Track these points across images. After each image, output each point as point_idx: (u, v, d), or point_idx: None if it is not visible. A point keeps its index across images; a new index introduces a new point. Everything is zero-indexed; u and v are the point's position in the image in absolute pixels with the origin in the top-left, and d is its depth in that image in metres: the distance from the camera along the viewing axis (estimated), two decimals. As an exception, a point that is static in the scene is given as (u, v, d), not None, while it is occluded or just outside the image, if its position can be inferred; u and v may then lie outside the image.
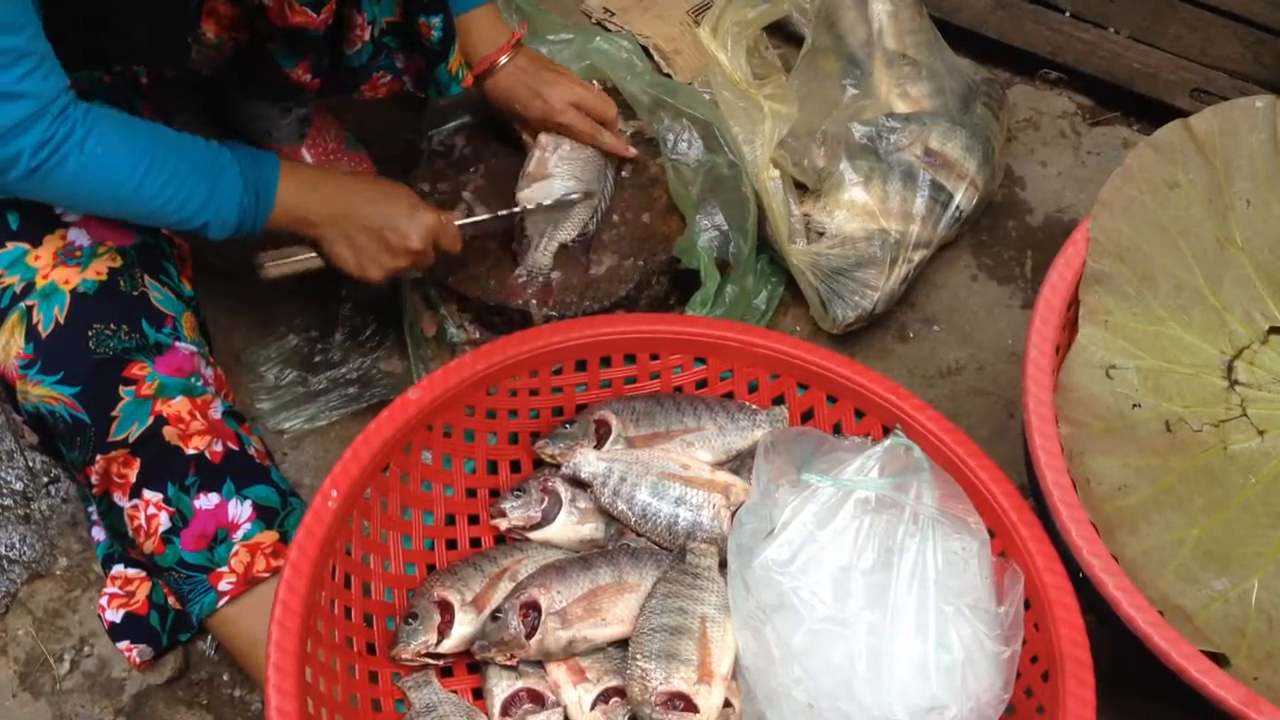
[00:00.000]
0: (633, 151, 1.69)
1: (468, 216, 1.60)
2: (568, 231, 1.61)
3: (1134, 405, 1.29)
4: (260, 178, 1.32)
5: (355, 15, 1.41)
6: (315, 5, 1.36)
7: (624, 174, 1.71)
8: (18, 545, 1.58)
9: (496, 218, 1.60)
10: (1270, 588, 1.21)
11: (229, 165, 1.29)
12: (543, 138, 1.63)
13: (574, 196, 1.60)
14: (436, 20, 1.46)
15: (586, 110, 1.62)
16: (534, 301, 1.57)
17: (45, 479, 1.63)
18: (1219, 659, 1.16)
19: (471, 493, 1.44)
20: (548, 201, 1.60)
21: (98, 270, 1.28)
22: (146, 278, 1.32)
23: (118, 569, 1.46)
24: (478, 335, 1.66)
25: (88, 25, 1.25)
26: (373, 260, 1.42)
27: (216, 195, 1.27)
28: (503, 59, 1.59)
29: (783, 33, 2.00)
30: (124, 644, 1.44)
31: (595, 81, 1.70)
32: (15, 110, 1.12)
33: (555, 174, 1.62)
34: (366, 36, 1.44)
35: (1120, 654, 1.20)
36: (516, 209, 1.61)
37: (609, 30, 1.99)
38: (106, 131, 1.19)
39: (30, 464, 1.63)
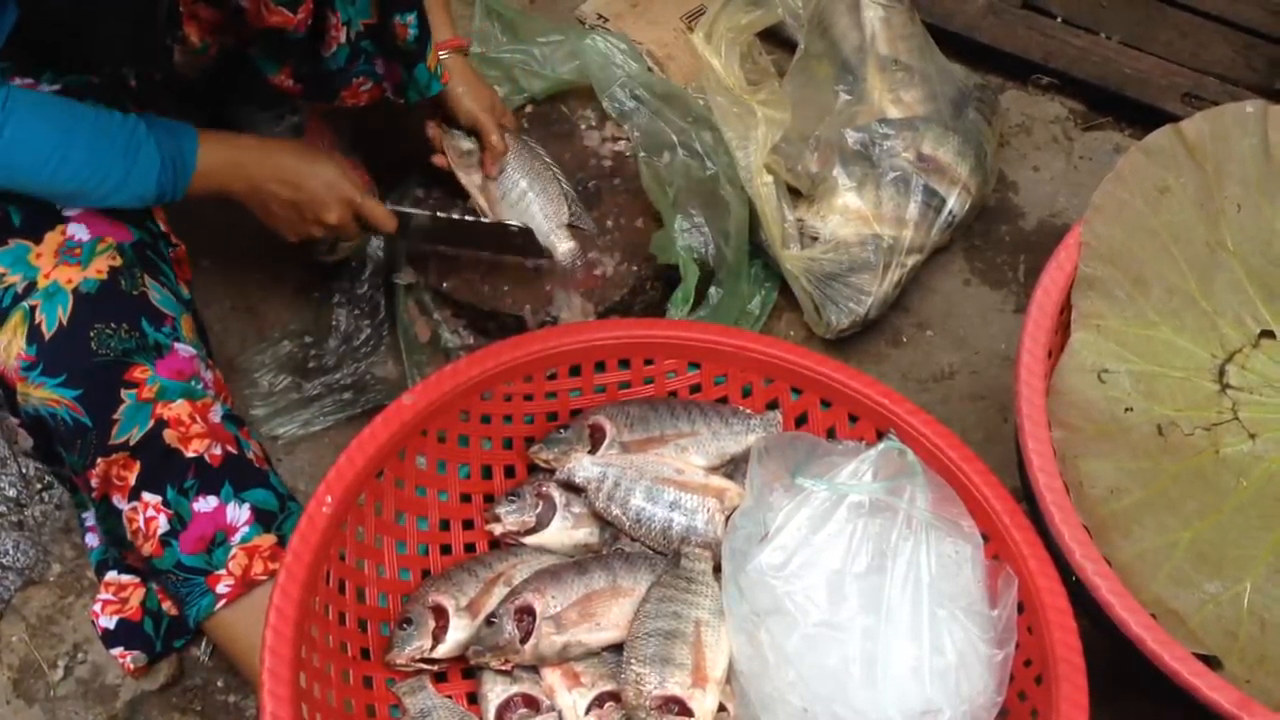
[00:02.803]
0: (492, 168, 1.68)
1: (405, 206, 1.62)
2: (560, 209, 1.66)
3: (1126, 409, 1.29)
4: (178, 152, 1.33)
5: (330, 15, 1.42)
6: (291, 5, 1.36)
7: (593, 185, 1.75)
8: (11, 551, 1.57)
9: (434, 217, 1.61)
10: (1262, 590, 1.21)
11: (145, 140, 1.29)
12: (451, 155, 1.66)
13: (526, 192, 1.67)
14: (411, 18, 1.46)
15: (496, 112, 1.68)
16: (580, 291, 1.63)
17: (39, 485, 1.62)
18: (1212, 662, 1.16)
19: (466, 498, 1.44)
20: (491, 217, 1.65)
21: (99, 269, 1.28)
22: (146, 277, 1.32)
23: (111, 575, 1.46)
24: (472, 340, 1.66)
25: (67, 32, 1.26)
26: (287, 226, 1.47)
27: (134, 173, 1.28)
28: (442, 54, 1.61)
29: (776, 38, 2.01)
30: (118, 650, 1.44)
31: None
32: None
33: (507, 200, 1.67)
34: (342, 38, 1.44)
35: (1114, 657, 1.20)
36: (457, 215, 1.63)
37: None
38: (23, 117, 1.20)
39: (24, 470, 1.63)
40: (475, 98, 1.65)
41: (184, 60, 1.45)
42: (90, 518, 1.51)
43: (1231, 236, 1.37)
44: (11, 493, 1.62)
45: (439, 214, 1.61)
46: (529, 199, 1.66)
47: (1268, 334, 1.34)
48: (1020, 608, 1.22)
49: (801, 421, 1.45)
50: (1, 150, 1.19)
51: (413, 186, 1.73)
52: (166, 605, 1.44)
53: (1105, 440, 1.27)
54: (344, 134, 1.81)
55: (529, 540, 1.39)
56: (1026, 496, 1.29)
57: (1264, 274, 1.36)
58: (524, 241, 1.61)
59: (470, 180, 1.66)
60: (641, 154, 1.71)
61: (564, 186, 1.69)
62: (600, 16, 2.05)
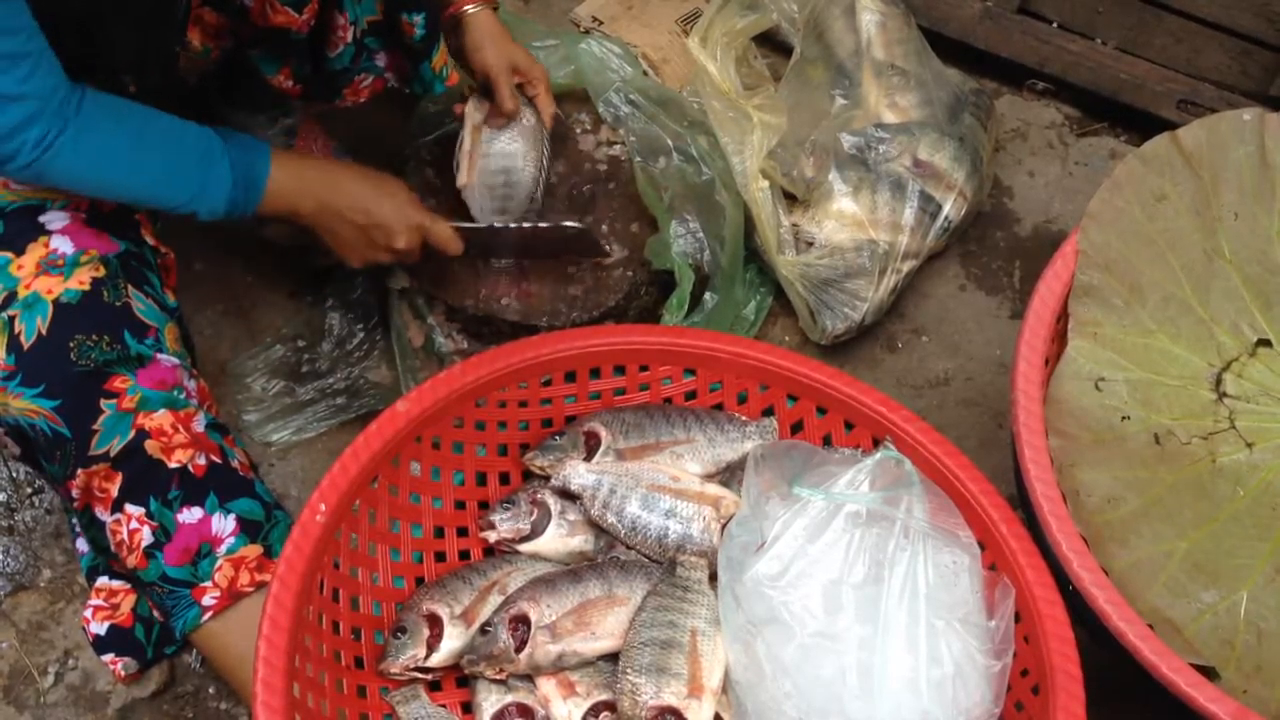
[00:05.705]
0: (549, 112, 1.62)
1: (463, 222, 1.57)
2: (515, 207, 1.60)
3: (1123, 417, 1.29)
4: (251, 171, 1.32)
5: (337, 16, 1.41)
6: (297, 5, 1.35)
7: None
8: (1, 557, 1.56)
9: (492, 229, 1.57)
10: (1259, 600, 1.21)
11: (220, 158, 1.29)
12: (469, 107, 1.59)
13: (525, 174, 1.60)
14: (419, 18, 1.46)
15: (519, 72, 1.59)
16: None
17: (29, 490, 1.61)
18: (1209, 672, 1.16)
19: (460, 505, 1.43)
20: (528, 222, 1.60)
21: (80, 280, 1.27)
22: (130, 288, 1.31)
23: (102, 581, 1.45)
24: (465, 345, 1.66)
25: (76, 36, 1.25)
26: (354, 251, 1.44)
27: (207, 189, 1.29)
28: (469, 8, 1.54)
29: (771, 42, 2.00)
30: (109, 657, 1.43)
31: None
32: (17, 111, 1.14)
33: (491, 153, 1.59)
34: (349, 38, 1.44)
35: (1110, 667, 1.20)
36: (514, 224, 1.59)
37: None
38: (100, 126, 1.20)
39: (14, 475, 1.61)
40: (495, 54, 1.56)
41: (185, 64, 1.44)
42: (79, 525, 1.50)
43: (1228, 245, 1.37)
44: (1, 497, 1.61)
45: (495, 224, 1.58)
46: (510, 162, 1.58)
47: (1264, 342, 1.34)
48: (1017, 617, 1.22)
49: (797, 428, 1.44)
50: (77, 157, 1.19)
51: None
52: (157, 613, 1.43)
53: (1102, 449, 1.27)
54: (338, 138, 1.81)
55: (524, 548, 1.38)
56: (1023, 505, 1.29)
57: (1260, 282, 1.36)
58: (581, 240, 1.59)
59: (463, 134, 1.59)
60: (637, 158, 1.70)
61: (540, 176, 1.61)
62: (595, 20, 2.04)
